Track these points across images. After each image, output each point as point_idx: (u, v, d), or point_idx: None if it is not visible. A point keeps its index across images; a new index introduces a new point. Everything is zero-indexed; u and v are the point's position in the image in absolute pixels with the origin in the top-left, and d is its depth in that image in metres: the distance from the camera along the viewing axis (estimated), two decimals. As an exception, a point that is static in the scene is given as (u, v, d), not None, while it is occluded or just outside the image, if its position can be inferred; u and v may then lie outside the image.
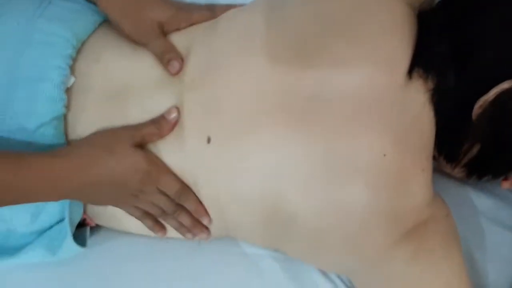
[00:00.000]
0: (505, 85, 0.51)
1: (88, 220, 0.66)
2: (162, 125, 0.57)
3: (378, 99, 0.52)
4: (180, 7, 0.65)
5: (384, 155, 0.51)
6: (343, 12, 0.57)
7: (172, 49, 0.61)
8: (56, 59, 0.60)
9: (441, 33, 0.55)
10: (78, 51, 0.63)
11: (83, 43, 0.64)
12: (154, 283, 0.65)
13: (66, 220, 0.60)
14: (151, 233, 0.64)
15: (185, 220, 0.60)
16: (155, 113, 0.59)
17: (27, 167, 0.52)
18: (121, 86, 0.61)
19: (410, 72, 0.53)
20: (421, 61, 0.54)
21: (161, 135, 0.58)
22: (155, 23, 0.63)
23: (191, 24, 0.64)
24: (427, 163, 0.54)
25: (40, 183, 0.53)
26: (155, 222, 0.63)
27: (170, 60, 0.60)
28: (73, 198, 0.58)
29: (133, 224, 0.63)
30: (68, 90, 0.61)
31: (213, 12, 0.65)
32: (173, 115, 0.57)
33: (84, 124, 0.60)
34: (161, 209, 0.60)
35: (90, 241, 0.65)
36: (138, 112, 0.59)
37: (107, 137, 0.57)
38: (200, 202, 0.59)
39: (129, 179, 0.56)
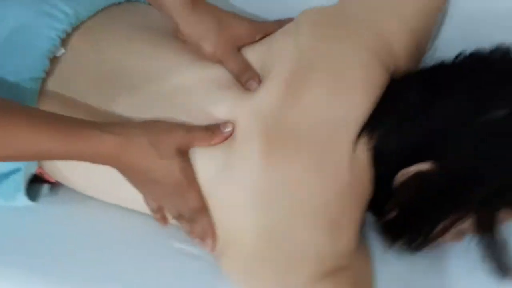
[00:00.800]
0: (424, 166, 0.55)
1: (47, 176, 0.68)
2: (215, 134, 0.57)
3: (332, 150, 0.56)
4: (251, 21, 0.67)
5: (328, 201, 0.55)
6: (324, 58, 0.60)
7: (249, 67, 0.63)
8: (50, 30, 0.65)
9: (395, 104, 0.58)
10: (76, 27, 0.68)
11: (83, 22, 0.68)
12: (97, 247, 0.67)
13: (22, 171, 0.63)
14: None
15: (196, 230, 0.59)
16: (142, 105, 0.61)
17: (78, 138, 0.53)
18: (113, 70, 0.64)
19: (361, 131, 0.57)
20: (371, 122, 0.57)
21: (210, 144, 0.57)
22: (233, 40, 0.64)
23: (264, 37, 0.66)
24: (360, 215, 0.58)
25: (85, 154, 0.54)
26: (163, 216, 0.63)
27: (248, 80, 0.61)
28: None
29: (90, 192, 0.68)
30: (56, 60, 0.66)
31: (279, 25, 0.66)
32: (229, 129, 0.57)
33: (67, 93, 0.64)
34: (177, 212, 0.59)
35: (50, 199, 0.70)
36: (126, 98, 0.62)
37: (158, 131, 0.56)
38: (212, 226, 0.58)
39: (159, 179, 0.56)
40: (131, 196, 0.62)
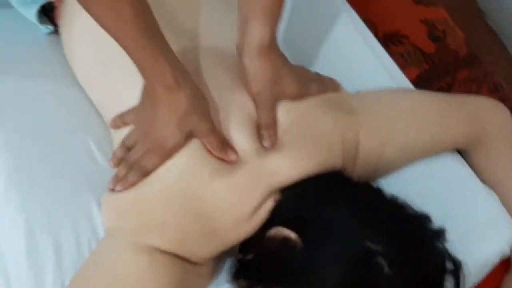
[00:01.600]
0: (293, 236, 0.59)
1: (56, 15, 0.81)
2: (222, 152, 0.63)
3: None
4: (301, 82, 0.70)
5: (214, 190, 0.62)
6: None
7: (274, 126, 0.66)
8: None
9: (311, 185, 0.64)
10: None
11: None
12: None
13: None
14: None
15: (120, 173, 0.65)
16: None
17: (153, 57, 0.58)
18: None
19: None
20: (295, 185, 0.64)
21: (213, 152, 0.63)
22: (277, 95, 0.67)
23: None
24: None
25: (145, 65, 0.59)
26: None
27: (266, 136, 0.65)
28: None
29: None
30: None
31: (323, 87, 0.71)
32: (233, 158, 0.63)
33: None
34: (132, 152, 0.65)
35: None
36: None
37: (197, 110, 0.62)
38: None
39: (157, 127, 0.63)
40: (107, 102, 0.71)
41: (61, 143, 0.75)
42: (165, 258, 0.61)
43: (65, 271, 0.68)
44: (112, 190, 0.65)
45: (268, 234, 0.61)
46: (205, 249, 0.64)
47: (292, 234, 0.59)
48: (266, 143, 0.65)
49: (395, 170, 0.77)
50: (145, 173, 0.63)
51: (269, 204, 0.63)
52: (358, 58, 0.91)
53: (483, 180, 0.79)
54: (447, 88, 0.94)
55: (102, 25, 0.57)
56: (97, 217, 0.71)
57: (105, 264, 0.63)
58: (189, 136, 0.63)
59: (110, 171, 0.68)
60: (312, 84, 0.71)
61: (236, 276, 0.65)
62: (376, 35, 0.97)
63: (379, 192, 0.64)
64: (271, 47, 0.67)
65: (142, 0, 0.57)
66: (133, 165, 0.64)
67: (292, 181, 0.63)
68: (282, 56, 0.70)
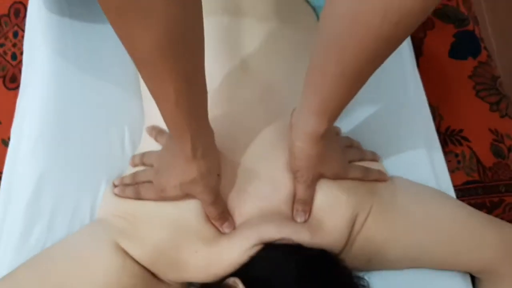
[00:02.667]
0: (230, 280, 0.58)
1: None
2: (219, 223, 0.65)
3: None
4: (344, 165, 0.69)
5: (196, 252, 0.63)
6: None
7: (309, 204, 0.67)
8: None
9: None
10: None
11: None
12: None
13: None
14: None
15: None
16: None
17: (179, 127, 0.59)
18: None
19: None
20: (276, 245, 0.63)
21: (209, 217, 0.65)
22: (318, 176, 0.67)
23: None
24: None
25: (172, 130, 0.60)
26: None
27: (300, 210, 0.66)
28: None
29: None
30: None
31: (366, 174, 0.70)
32: (227, 230, 0.65)
33: None
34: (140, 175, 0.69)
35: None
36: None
37: (203, 181, 0.63)
38: None
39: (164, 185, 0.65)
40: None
41: (101, 122, 0.80)
42: (135, 269, 0.63)
43: (52, 235, 0.71)
44: (114, 186, 0.70)
45: (225, 282, 0.59)
46: (173, 275, 0.65)
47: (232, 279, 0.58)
48: (298, 219, 0.66)
49: (391, 269, 0.73)
50: (138, 198, 0.67)
51: (249, 253, 0.62)
52: (408, 143, 0.88)
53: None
54: (490, 207, 0.88)
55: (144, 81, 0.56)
56: (98, 201, 0.74)
57: (83, 248, 0.65)
58: (189, 196, 0.65)
59: (127, 164, 0.73)
60: (353, 169, 0.70)
61: None
62: (439, 127, 0.94)
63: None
64: (324, 134, 0.63)
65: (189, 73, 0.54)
66: (135, 183, 0.68)
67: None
68: (332, 139, 0.68)
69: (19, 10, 0.96)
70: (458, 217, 0.71)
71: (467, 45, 1.02)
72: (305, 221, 0.65)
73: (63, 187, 0.75)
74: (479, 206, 0.75)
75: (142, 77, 0.54)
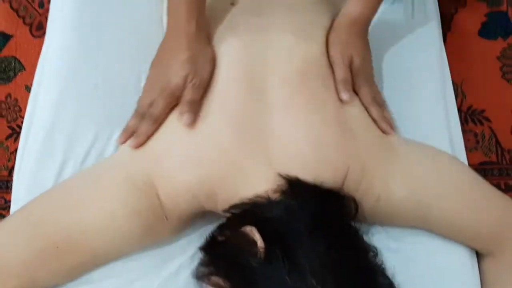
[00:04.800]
0: (246, 228, 0.59)
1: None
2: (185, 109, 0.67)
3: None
4: (367, 73, 0.77)
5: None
6: None
7: (351, 82, 0.72)
8: None
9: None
10: None
11: None
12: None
13: None
14: None
15: (140, 126, 0.70)
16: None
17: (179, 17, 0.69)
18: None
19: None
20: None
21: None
22: (350, 59, 0.74)
23: None
24: None
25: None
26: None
27: (343, 89, 0.70)
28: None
29: None
30: None
31: (378, 98, 0.78)
32: (187, 122, 0.66)
33: None
34: (147, 103, 0.70)
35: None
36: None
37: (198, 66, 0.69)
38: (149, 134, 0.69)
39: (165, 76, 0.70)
40: None
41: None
42: (141, 185, 0.65)
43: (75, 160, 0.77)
44: (122, 143, 0.70)
45: (242, 229, 0.60)
46: (183, 190, 0.66)
47: (260, 243, 0.58)
48: (344, 96, 0.69)
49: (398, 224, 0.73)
50: (155, 120, 0.68)
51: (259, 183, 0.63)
52: (428, 118, 0.87)
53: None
54: (504, 189, 0.87)
55: None
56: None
57: (102, 174, 0.69)
58: (185, 81, 0.67)
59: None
60: (367, 87, 0.75)
61: (202, 247, 0.66)
62: (461, 105, 0.92)
63: (364, 248, 0.62)
64: (363, 24, 0.76)
65: None
66: (143, 115, 0.69)
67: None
68: (364, 37, 0.77)
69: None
70: (468, 177, 0.73)
71: (498, 25, 0.99)
72: (350, 97, 0.70)
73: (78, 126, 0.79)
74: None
75: None
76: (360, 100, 0.73)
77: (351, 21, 0.75)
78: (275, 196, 0.62)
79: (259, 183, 0.63)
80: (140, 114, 0.70)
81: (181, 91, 0.68)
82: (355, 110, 0.71)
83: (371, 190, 0.67)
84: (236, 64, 0.70)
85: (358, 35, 0.76)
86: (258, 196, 0.63)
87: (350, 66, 0.73)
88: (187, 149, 0.66)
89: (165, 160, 0.66)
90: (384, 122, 0.73)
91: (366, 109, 0.73)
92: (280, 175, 0.63)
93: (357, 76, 0.73)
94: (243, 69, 0.69)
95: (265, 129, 0.66)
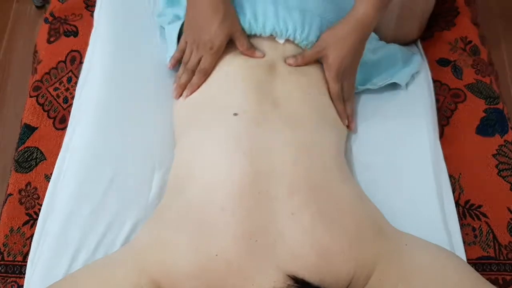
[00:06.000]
0: None
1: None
2: (251, 51, 0.89)
3: None
4: (351, 83, 0.95)
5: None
6: None
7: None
8: None
9: None
10: None
11: None
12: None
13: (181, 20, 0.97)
14: None
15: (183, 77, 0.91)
16: None
17: None
18: None
19: None
20: None
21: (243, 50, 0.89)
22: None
23: None
24: None
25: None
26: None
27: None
28: None
29: None
30: None
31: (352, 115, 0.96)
32: (259, 55, 0.89)
33: None
34: (191, 62, 0.89)
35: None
36: None
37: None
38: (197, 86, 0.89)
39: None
40: None
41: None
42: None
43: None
44: (179, 96, 0.91)
45: None
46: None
47: None
48: (290, 60, 0.89)
49: None
50: (206, 73, 0.87)
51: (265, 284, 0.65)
52: (426, 213, 0.90)
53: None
54: (502, 284, 0.88)
55: None
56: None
57: (105, 270, 0.72)
58: (230, 37, 0.86)
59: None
60: (338, 85, 0.89)
61: None
62: (459, 199, 0.96)
63: None
64: (365, 26, 0.86)
65: None
66: (193, 70, 0.88)
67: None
68: (358, 37, 0.87)
69: (75, 58, 1.05)
70: (469, 277, 0.72)
71: (496, 122, 1.04)
72: (293, 64, 0.88)
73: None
74: (491, 282, 0.76)
75: None
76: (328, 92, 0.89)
77: (352, 20, 0.86)
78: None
79: (267, 284, 0.65)
80: (191, 70, 0.88)
81: (223, 49, 0.87)
82: (362, 214, 0.74)
83: None
84: (241, 175, 0.72)
85: (352, 34, 0.86)
86: None
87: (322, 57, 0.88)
88: (194, 265, 0.67)
89: (172, 270, 0.68)
90: (344, 117, 0.91)
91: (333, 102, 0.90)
92: (288, 276, 0.65)
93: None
94: (248, 181, 0.71)
95: (274, 234, 0.67)
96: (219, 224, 0.67)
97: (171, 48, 0.96)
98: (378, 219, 0.76)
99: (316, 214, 0.69)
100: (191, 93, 0.87)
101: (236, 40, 0.87)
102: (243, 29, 0.88)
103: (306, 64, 0.88)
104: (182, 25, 0.94)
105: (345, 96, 0.90)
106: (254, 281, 0.65)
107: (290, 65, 0.87)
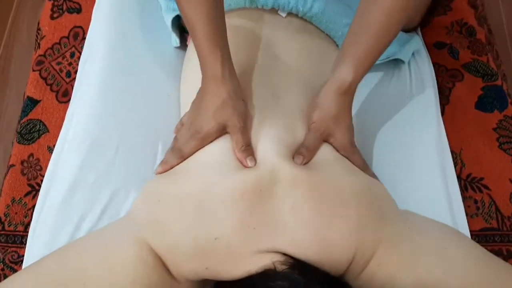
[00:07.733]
0: None
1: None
2: (243, 155, 0.73)
3: None
4: (352, 142, 0.82)
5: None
6: None
7: (314, 152, 0.77)
8: None
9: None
10: None
11: None
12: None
13: None
14: None
15: (167, 157, 0.80)
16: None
17: (211, 58, 0.73)
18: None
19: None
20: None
21: (235, 148, 0.74)
22: (328, 133, 0.78)
23: None
24: None
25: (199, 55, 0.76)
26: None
27: (302, 153, 0.75)
28: None
29: None
30: None
31: (365, 166, 0.82)
32: (251, 164, 0.72)
33: None
34: (179, 143, 0.79)
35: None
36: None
37: (232, 105, 0.75)
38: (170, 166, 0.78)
39: (200, 122, 0.76)
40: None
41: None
42: (149, 259, 0.66)
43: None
44: (159, 173, 0.78)
45: None
46: (187, 267, 0.67)
47: None
48: (298, 160, 0.73)
49: None
50: (181, 157, 0.77)
51: (265, 262, 0.64)
52: (428, 186, 0.91)
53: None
54: (506, 255, 0.89)
55: (184, 15, 0.72)
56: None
57: (105, 241, 0.69)
58: (222, 128, 0.75)
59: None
60: (358, 154, 0.79)
61: None
62: (461, 173, 0.96)
63: None
64: (349, 91, 0.77)
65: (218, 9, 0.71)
66: (174, 150, 0.78)
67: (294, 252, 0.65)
68: (349, 116, 0.80)
69: (78, 34, 1.06)
70: (473, 253, 0.71)
71: (494, 98, 1.05)
72: (302, 163, 0.73)
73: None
74: (495, 253, 0.75)
75: (185, 15, 0.71)
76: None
77: (340, 90, 0.76)
78: (282, 268, 0.64)
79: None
80: (176, 150, 0.79)
81: (211, 138, 0.75)
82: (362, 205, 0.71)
83: (375, 278, 0.68)
84: (243, 173, 0.71)
85: (345, 106, 0.78)
86: (266, 269, 0.64)
87: (326, 138, 0.77)
88: (195, 247, 0.66)
89: (172, 251, 0.67)
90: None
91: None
92: (288, 255, 0.65)
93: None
94: (250, 178, 0.70)
95: (273, 224, 0.67)
96: (218, 213, 0.67)
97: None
98: (385, 206, 0.74)
99: (317, 206, 0.68)
100: (163, 171, 0.78)
101: (231, 134, 0.75)
102: (243, 125, 0.75)
103: (315, 152, 0.77)
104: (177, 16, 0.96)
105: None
106: (252, 262, 0.65)
107: (296, 163, 0.74)
